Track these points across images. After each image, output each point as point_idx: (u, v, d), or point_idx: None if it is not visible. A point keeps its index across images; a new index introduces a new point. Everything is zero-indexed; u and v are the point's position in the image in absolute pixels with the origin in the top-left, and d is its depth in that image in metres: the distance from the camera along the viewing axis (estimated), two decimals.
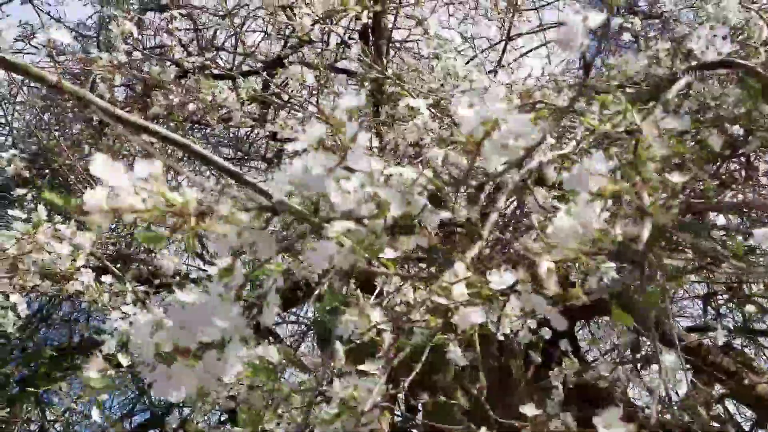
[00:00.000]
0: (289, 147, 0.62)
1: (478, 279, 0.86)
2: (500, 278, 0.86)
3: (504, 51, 3.88)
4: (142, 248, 3.86)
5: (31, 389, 4.28)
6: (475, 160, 0.80)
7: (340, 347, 0.97)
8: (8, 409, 4.13)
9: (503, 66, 3.71)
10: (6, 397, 4.08)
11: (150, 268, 3.61)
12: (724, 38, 1.83)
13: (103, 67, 2.34)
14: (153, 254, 4.12)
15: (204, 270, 3.73)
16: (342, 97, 0.64)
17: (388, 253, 0.87)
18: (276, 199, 0.62)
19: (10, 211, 1.64)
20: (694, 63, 1.77)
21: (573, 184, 0.80)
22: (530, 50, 4.08)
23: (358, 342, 0.98)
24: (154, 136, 1.71)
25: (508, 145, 0.72)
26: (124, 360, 1.69)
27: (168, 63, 3.47)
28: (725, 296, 3.78)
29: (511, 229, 1.26)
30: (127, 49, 2.86)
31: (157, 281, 3.33)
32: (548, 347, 2.70)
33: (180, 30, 3.98)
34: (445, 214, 0.83)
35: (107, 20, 3.63)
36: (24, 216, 1.64)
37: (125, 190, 0.55)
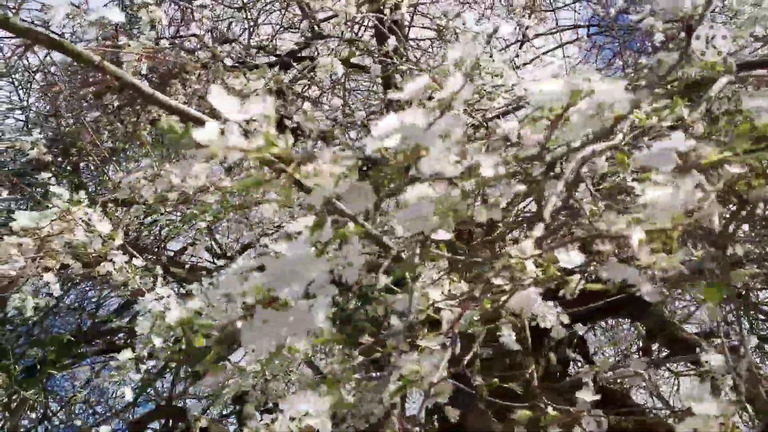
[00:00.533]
0: (393, 95, 0.61)
1: (549, 257, 0.86)
2: (569, 257, 0.85)
3: (520, 50, 3.88)
4: (159, 238, 3.86)
5: (38, 376, 4.26)
6: (553, 132, 0.79)
7: (398, 323, 0.96)
8: (14, 396, 4.11)
9: (520, 66, 3.71)
10: (12, 384, 4.06)
11: (164, 257, 3.61)
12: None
13: (133, 51, 2.34)
14: (165, 245, 4.12)
15: (216, 265, 3.73)
16: (451, 49, 0.63)
17: (440, 234, 0.86)
18: (372, 149, 0.61)
19: (51, 188, 1.63)
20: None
21: (652, 162, 0.80)
22: (547, 51, 4.06)
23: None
24: (186, 118, 1.70)
25: (598, 115, 0.71)
26: (157, 341, 1.68)
27: (189, 52, 3.48)
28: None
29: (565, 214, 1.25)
30: (155, 37, 2.86)
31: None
32: (559, 348, 2.70)
33: (196, 21, 3.98)
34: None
35: (129, 5, 3.62)
36: (65, 193, 1.63)
37: (235, 130, 0.55)
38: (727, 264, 0.73)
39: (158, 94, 1.46)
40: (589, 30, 4.14)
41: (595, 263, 0.85)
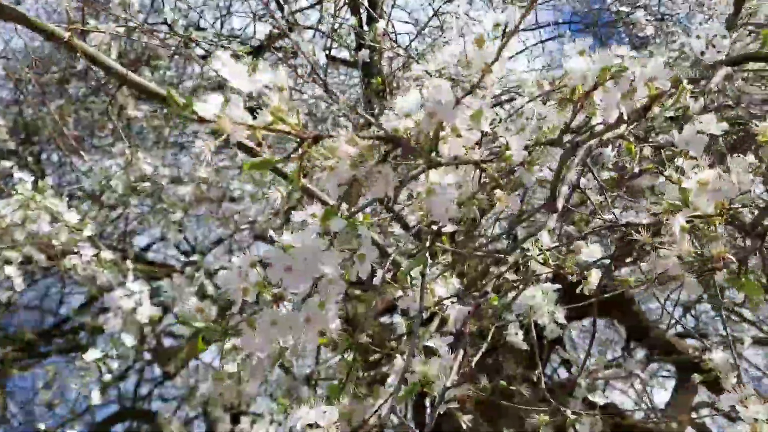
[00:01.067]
0: (415, 68, 0.54)
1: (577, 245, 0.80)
2: (589, 250, 0.80)
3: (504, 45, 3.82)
4: (125, 232, 3.72)
5: None
6: (579, 112, 0.73)
7: (401, 321, 0.89)
8: None
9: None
10: None
11: (130, 253, 3.47)
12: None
13: (104, 31, 2.21)
14: (131, 240, 3.98)
15: (185, 261, 3.60)
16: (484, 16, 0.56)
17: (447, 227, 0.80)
18: (390, 128, 0.54)
19: (16, 174, 1.51)
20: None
21: (683, 144, 0.74)
22: (524, 49, 4.02)
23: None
24: (162, 101, 1.60)
25: (631, 94, 0.65)
26: (128, 340, 1.58)
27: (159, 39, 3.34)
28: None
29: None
30: (126, 20, 2.73)
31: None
32: (541, 351, 2.67)
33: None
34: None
35: None
36: (31, 179, 1.51)
37: (239, 106, 0.47)
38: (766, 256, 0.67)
39: (132, 75, 1.37)
40: (570, 27, 4.11)
41: (618, 258, 0.80)
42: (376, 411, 0.72)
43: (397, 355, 0.82)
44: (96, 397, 1.61)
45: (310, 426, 0.60)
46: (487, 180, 0.60)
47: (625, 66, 0.66)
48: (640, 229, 0.66)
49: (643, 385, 2.91)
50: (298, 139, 0.51)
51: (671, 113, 1.28)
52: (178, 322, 0.54)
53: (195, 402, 2.83)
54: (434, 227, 0.70)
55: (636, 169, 1.24)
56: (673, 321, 3.41)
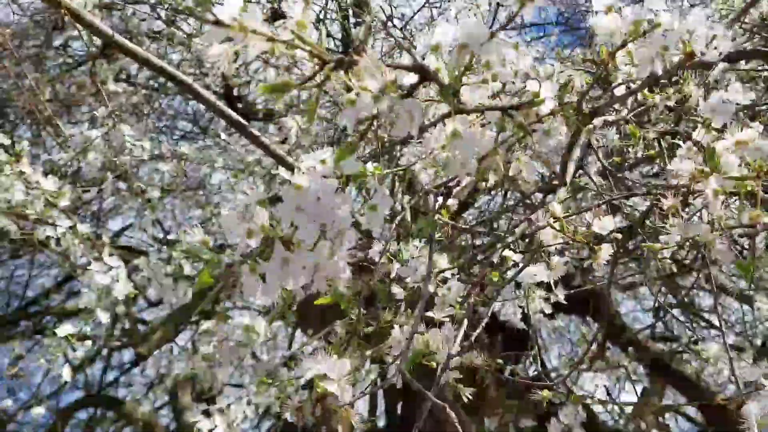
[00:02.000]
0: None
1: (577, 222, 0.76)
2: (602, 223, 0.76)
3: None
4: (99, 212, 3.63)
5: None
6: (607, 71, 0.69)
7: (400, 292, 0.85)
8: None
9: None
10: None
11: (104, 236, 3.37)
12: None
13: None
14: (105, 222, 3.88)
15: (165, 243, 3.52)
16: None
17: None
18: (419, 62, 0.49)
19: None
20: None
21: (709, 112, 0.71)
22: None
23: None
24: (151, 68, 1.53)
25: (667, 48, 0.62)
26: (102, 316, 1.51)
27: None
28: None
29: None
30: None
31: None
32: (509, 348, 2.65)
33: None
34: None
35: None
36: (7, 142, 1.44)
37: (258, 15, 0.42)
38: None
39: (119, 37, 1.30)
40: (556, 26, 4.10)
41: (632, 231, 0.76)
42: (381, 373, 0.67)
43: (396, 326, 0.78)
44: (66, 374, 1.53)
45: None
46: (520, 128, 0.56)
47: (659, 22, 0.63)
48: (666, 193, 0.63)
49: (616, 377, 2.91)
50: (320, 63, 0.46)
51: (672, 102, 1.26)
52: (182, 252, 0.49)
53: (164, 387, 2.74)
54: (446, 187, 0.66)
55: (639, 154, 1.22)
56: (646, 323, 3.45)
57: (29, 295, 5.16)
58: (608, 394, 4.03)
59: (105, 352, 4.87)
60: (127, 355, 4.90)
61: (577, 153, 0.97)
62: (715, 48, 1.32)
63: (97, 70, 2.36)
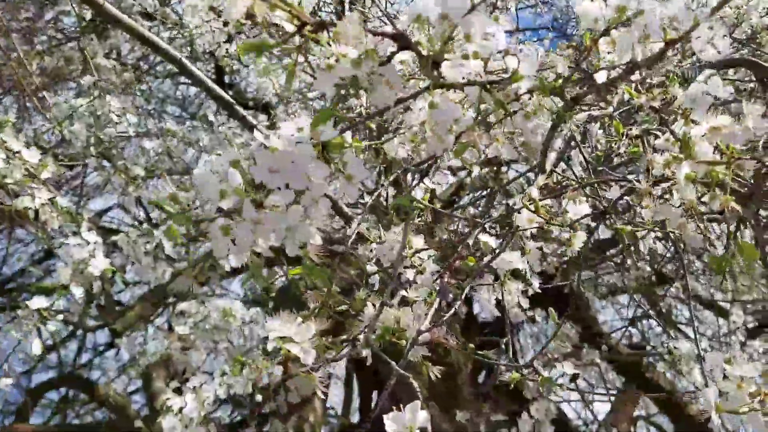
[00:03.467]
0: None
1: (549, 206, 0.77)
2: (577, 208, 0.77)
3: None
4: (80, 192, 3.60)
5: None
6: (587, 57, 0.70)
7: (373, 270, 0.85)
8: None
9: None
10: None
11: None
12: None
13: None
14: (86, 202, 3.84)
15: (147, 220, 3.49)
16: None
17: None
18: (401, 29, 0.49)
19: None
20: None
21: (689, 103, 0.72)
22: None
23: None
24: (138, 39, 1.51)
25: (645, 39, 0.62)
26: (78, 292, 1.50)
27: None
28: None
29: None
30: None
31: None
32: (486, 347, 2.67)
33: None
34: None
35: None
36: None
37: None
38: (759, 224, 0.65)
39: (109, 5, 1.28)
40: (550, 31, 4.14)
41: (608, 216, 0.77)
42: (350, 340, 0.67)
43: (368, 303, 0.78)
44: (36, 348, 1.52)
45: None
46: (499, 105, 0.56)
47: (641, 9, 0.64)
48: (639, 179, 0.63)
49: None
50: (299, 24, 0.46)
51: (657, 104, 1.27)
52: (150, 203, 0.49)
53: (137, 368, 2.73)
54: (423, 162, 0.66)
55: (621, 150, 1.23)
56: (623, 330, 3.48)
57: (6, 272, 5.10)
58: (582, 398, 4.07)
59: (80, 333, 4.83)
60: (102, 337, 4.87)
61: (559, 142, 0.98)
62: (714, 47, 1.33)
63: (86, 45, 2.34)
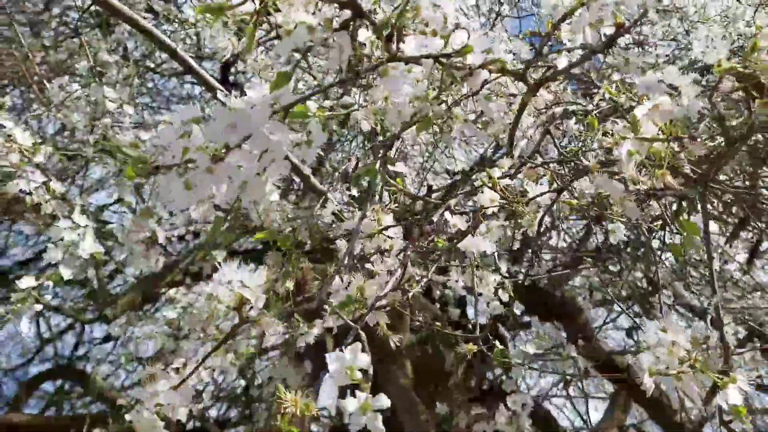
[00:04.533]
0: None
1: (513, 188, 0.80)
2: (536, 188, 0.80)
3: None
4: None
5: None
6: (549, 38, 0.73)
7: (344, 244, 0.88)
8: None
9: None
10: None
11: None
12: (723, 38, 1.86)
13: None
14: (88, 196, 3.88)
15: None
16: None
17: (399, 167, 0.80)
18: None
19: None
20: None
21: (645, 90, 0.76)
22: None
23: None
24: (138, 29, 1.55)
25: (599, 23, 0.66)
26: (66, 273, 1.53)
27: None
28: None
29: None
30: None
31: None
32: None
33: None
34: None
35: None
36: None
37: None
38: (706, 195, 0.68)
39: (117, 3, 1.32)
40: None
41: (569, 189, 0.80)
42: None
43: (336, 276, 0.81)
44: (24, 327, 1.54)
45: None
46: (449, 79, 0.60)
47: None
48: (588, 157, 0.67)
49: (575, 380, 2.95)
50: None
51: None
52: (110, 146, 0.52)
53: (128, 355, 2.76)
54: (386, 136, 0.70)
55: (595, 145, 1.26)
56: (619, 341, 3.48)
57: (5, 263, 5.13)
58: (571, 403, 4.08)
59: (77, 326, 4.87)
60: (99, 331, 4.90)
61: (531, 131, 1.01)
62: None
63: (88, 37, 2.38)
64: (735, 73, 0.83)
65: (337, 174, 0.79)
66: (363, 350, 0.53)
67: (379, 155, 0.71)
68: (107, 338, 5.00)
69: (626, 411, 3.75)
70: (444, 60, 0.58)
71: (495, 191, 0.75)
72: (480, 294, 1.31)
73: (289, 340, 0.93)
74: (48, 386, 4.65)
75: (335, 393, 0.55)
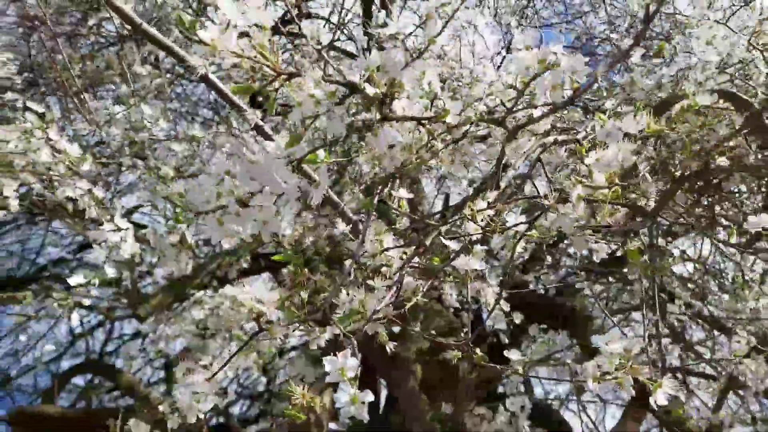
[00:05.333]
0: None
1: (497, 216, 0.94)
2: (514, 217, 0.94)
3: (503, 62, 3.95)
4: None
5: None
6: (521, 96, 0.87)
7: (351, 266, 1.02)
8: None
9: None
10: None
11: None
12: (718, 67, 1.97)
13: None
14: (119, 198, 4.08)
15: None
16: None
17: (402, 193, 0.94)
18: (351, 80, 0.67)
19: (28, 103, 1.62)
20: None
21: (604, 137, 0.89)
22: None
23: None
24: (171, 54, 1.71)
25: (560, 85, 0.79)
26: (110, 271, 1.70)
27: None
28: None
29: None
30: None
31: None
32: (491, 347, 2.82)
33: None
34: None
35: None
36: (40, 110, 1.63)
37: (231, 37, 0.60)
38: (655, 230, 0.81)
39: (146, 26, 1.48)
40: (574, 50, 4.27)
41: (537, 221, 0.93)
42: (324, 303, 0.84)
43: (342, 290, 0.95)
44: (75, 320, 1.72)
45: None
46: (429, 137, 0.74)
47: (557, 62, 0.80)
48: (548, 198, 0.80)
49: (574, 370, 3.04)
50: (276, 74, 0.64)
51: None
52: (163, 198, 0.67)
53: (159, 352, 2.93)
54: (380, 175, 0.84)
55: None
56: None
57: (41, 262, 5.35)
58: (584, 408, 4.18)
59: (108, 323, 5.08)
60: (128, 327, 5.09)
61: (519, 162, 1.15)
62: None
63: (125, 52, 2.56)
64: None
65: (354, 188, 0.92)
66: (353, 356, 0.67)
67: (375, 192, 0.86)
68: (135, 335, 5.22)
69: (639, 420, 3.82)
70: (425, 122, 0.72)
71: (475, 223, 0.88)
72: (479, 305, 1.45)
73: (308, 341, 1.07)
74: (77, 380, 4.85)
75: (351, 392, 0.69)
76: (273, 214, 0.68)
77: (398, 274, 0.93)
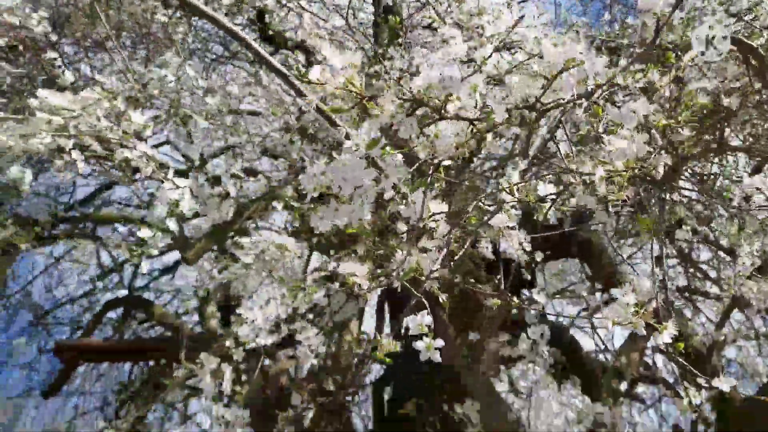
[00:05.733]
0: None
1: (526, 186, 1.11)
2: (544, 187, 1.11)
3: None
4: None
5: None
6: (549, 87, 1.03)
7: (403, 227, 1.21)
8: None
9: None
10: None
11: None
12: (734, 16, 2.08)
13: None
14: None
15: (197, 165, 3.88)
16: None
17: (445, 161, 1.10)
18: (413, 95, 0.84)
19: (97, 76, 1.78)
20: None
21: (619, 118, 1.05)
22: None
23: None
24: (222, 27, 1.83)
25: (584, 81, 0.95)
26: (173, 225, 1.89)
27: None
28: None
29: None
30: None
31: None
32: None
33: None
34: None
35: None
36: (104, 81, 1.78)
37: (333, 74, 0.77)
38: (663, 202, 0.99)
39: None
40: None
41: (564, 194, 1.11)
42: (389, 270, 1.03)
43: (398, 251, 1.14)
44: (145, 267, 1.94)
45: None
46: (478, 132, 0.91)
47: (582, 61, 0.96)
48: (576, 176, 0.98)
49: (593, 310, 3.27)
50: (359, 97, 0.81)
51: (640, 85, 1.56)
52: (272, 200, 0.85)
53: (202, 291, 3.18)
54: (435, 161, 1.02)
55: (601, 129, 1.55)
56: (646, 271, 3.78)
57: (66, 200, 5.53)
58: (592, 327, 4.44)
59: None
60: (157, 263, 5.33)
61: (543, 131, 1.31)
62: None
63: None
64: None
65: None
66: (428, 314, 0.87)
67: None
68: (164, 270, 5.49)
69: (647, 339, 4.05)
70: (474, 121, 0.89)
71: (511, 194, 1.06)
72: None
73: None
74: (110, 314, 5.14)
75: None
76: (359, 207, 0.86)
77: (446, 237, 1.12)
